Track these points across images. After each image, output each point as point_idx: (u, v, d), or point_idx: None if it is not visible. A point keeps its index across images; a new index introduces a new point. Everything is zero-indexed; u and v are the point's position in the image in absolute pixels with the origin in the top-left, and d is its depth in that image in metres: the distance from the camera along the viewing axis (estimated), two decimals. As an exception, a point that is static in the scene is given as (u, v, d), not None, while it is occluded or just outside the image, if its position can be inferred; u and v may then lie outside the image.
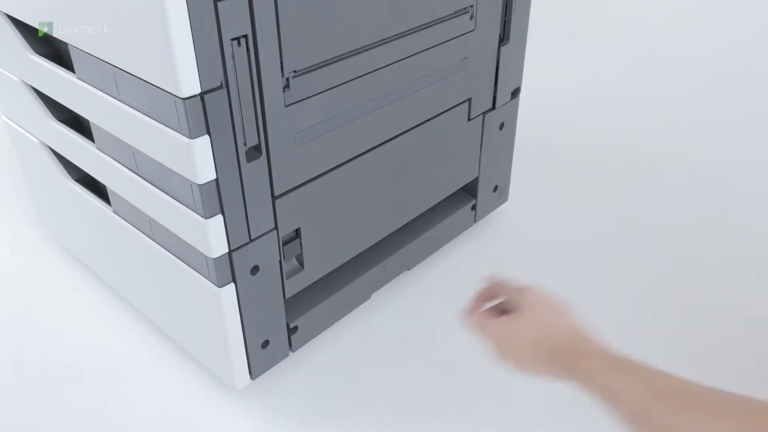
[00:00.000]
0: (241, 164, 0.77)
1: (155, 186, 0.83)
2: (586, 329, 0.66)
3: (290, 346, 0.98)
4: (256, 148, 0.78)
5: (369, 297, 1.09)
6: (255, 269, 0.86)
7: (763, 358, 1.04)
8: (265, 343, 0.93)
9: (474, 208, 1.22)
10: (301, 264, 0.93)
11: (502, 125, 1.17)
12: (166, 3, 0.63)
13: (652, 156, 1.54)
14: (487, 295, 0.72)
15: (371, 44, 0.86)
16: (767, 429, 0.49)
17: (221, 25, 0.68)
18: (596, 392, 0.62)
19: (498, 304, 0.71)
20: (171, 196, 0.81)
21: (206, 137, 0.72)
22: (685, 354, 1.05)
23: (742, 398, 0.53)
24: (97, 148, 0.91)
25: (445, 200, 1.16)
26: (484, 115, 1.12)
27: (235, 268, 0.83)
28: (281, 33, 0.74)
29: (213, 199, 0.77)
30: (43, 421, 0.97)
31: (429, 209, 1.14)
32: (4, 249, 1.30)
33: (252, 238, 0.83)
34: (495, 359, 0.69)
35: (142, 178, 0.85)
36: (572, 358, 0.63)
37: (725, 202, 1.39)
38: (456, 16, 0.96)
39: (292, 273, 0.93)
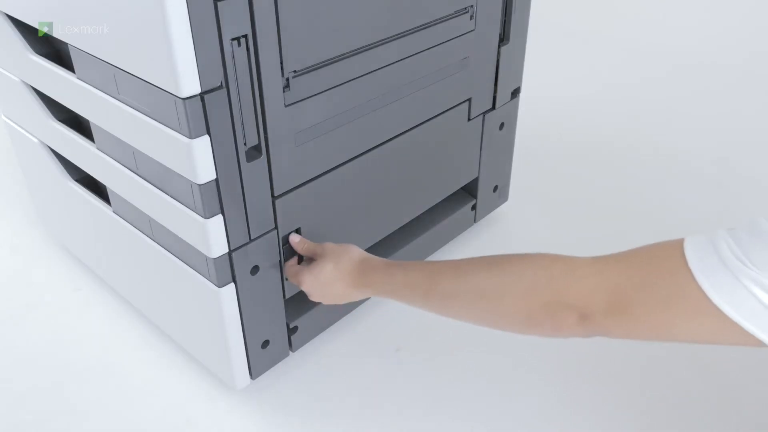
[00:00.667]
0: (241, 164, 0.77)
1: (155, 186, 0.83)
2: (368, 255, 0.85)
3: (290, 346, 0.98)
4: (256, 148, 0.78)
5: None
6: (255, 269, 0.86)
7: (763, 356, 1.04)
8: (265, 343, 0.93)
9: (474, 208, 1.22)
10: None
11: (502, 125, 1.17)
12: (166, 3, 0.63)
13: (652, 156, 1.54)
14: (298, 249, 0.90)
15: (371, 44, 0.86)
16: (506, 270, 0.69)
17: (221, 25, 0.68)
18: (392, 294, 0.80)
19: (307, 259, 0.90)
20: (171, 196, 0.81)
21: (206, 137, 0.72)
22: (683, 350, 1.05)
23: (487, 256, 0.74)
24: (97, 148, 0.91)
25: (445, 200, 1.16)
26: (484, 115, 1.12)
27: (235, 268, 0.83)
28: (281, 33, 0.74)
29: (213, 199, 0.77)
30: (43, 421, 0.97)
31: (429, 209, 1.14)
32: (4, 249, 1.30)
33: (252, 238, 0.83)
34: (312, 298, 0.87)
35: (142, 178, 0.85)
36: (364, 274, 0.82)
37: (725, 203, 1.39)
38: (456, 16, 0.96)
39: (292, 273, 0.93)
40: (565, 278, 0.64)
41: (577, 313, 0.62)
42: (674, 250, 0.59)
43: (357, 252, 0.85)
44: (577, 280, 0.63)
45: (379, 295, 0.83)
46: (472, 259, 0.74)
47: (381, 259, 0.84)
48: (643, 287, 0.59)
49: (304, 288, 0.87)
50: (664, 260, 0.59)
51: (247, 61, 0.72)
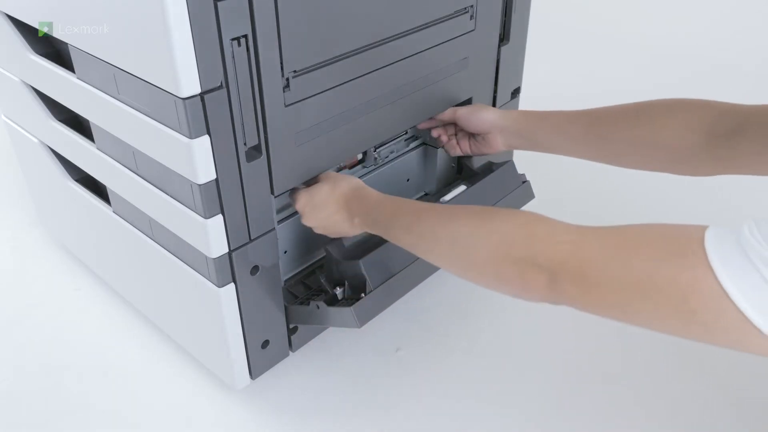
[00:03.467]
0: (241, 164, 0.77)
1: (155, 186, 0.83)
2: (366, 186, 0.85)
3: (290, 346, 0.98)
4: (256, 148, 0.78)
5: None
6: (255, 269, 0.86)
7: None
8: (265, 343, 0.93)
9: (474, 208, 1.22)
10: (301, 264, 0.93)
11: (502, 125, 1.17)
12: (167, 3, 0.63)
13: (652, 156, 1.54)
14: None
15: (371, 44, 0.86)
16: (487, 220, 0.68)
17: (221, 25, 0.68)
18: (376, 226, 0.80)
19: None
20: (171, 196, 0.81)
21: (206, 137, 0.72)
22: (683, 349, 1.05)
23: (476, 206, 0.74)
24: (97, 148, 0.91)
25: (445, 200, 1.16)
26: (484, 115, 1.12)
27: (235, 268, 0.83)
28: (281, 33, 0.74)
29: (213, 199, 0.77)
30: (43, 421, 0.97)
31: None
32: (4, 249, 1.30)
33: (252, 238, 0.83)
34: (303, 220, 0.87)
35: (142, 178, 0.85)
36: (357, 200, 0.82)
37: (726, 205, 1.39)
38: (456, 16, 0.96)
39: (292, 273, 0.93)
40: (542, 240, 0.63)
41: (546, 276, 0.62)
42: (677, 228, 0.57)
43: (356, 180, 0.86)
44: (555, 244, 0.62)
45: (367, 228, 0.82)
46: (461, 206, 0.75)
47: (378, 192, 0.84)
48: (623, 261, 0.57)
49: (298, 207, 0.86)
50: (660, 234, 0.57)
51: (247, 61, 0.72)
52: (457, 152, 1.02)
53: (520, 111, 0.96)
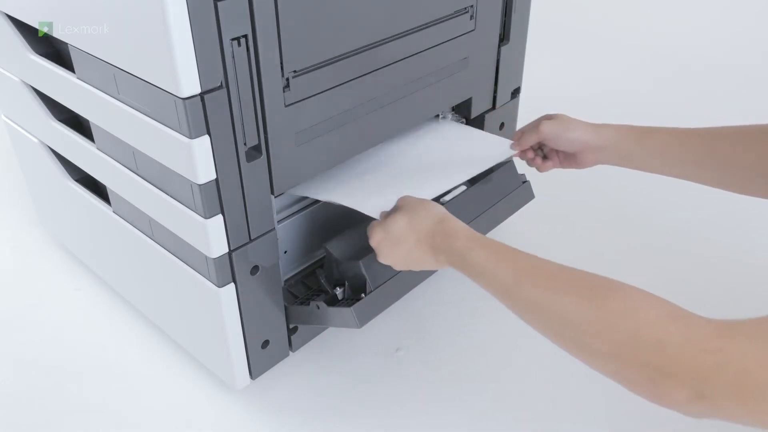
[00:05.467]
0: (241, 164, 0.77)
1: (155, 186, 0.83)
2: (451, 216, 0.75)
3: (290, 346, 0.98)
4: (256, 148, 0.78)
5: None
6: (255, 269, 0.86)
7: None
8: (265, 343, 0.93)
9: (474, 208, 1.22)
10: (301, 264, 0.93)
11: (502, 125, 1.17)
12: (167, 3, 0.63)
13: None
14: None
15: (371, 44, 0.86)
16: (605, 307, 0.58)
17: (221, 25, 0.68)
18: (465, 271, 0.71)
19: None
20: (171, 196, 0.81)
21: (206, 137, 0.72)
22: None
23: (587, 273, 0.63)
24: (97, 148, 0.91)
25: (445, 200, 1.16)
26: (484, 115, 1.12)
27: (235, 268, 0.83)
28: (281, 33, 0.74)
29: (213, 199, 0.77)
30: (43, 421, 0.97)
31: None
32: (4, 249, 1.30)
33: (252, 238, 0.83)
34: (380, 258, 0.78)
35: (142, 178, 0.85)
36: (442, 237, 0.72)
37: (726, 206, 1.39)
38: (456, 16, 0.96)
39: (292, 273, 0.93)
40: (680, 347, 0.53)
41: (690, 391, 0.53)
42: None
43: (438, 209, 0.76)
44: (697, 353, 0.53)
45: (454, 267, 0.73)
46: (567, 270, 0.65)
47: (464, 225, 0.74)
48: None
49: (373, 244, 0.78)
50: None
51: (247, 61, 0.72)
52: (546, 169, 0.95)
53: (617, 127, 0.86)
